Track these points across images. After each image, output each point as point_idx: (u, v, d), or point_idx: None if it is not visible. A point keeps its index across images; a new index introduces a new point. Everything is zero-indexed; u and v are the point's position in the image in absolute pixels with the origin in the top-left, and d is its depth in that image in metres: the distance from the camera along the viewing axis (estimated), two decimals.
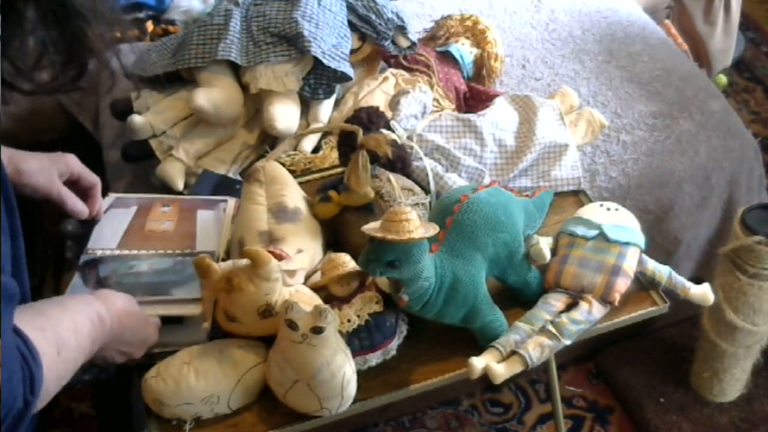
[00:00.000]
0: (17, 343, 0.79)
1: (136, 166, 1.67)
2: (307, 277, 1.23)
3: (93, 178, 1.26)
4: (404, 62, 1.78)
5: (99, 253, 1.27)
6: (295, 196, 1.32)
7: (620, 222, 1.32)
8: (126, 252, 1.28)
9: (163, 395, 1.10)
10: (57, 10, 0.72)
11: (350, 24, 1.72)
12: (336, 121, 1.68)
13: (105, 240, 1.29)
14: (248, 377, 1.13)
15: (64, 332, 0.89)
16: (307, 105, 1.68)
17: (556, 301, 1.24)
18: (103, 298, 1.02)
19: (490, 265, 1.18)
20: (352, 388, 1.11)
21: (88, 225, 1.30)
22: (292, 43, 1.61)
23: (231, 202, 1.39)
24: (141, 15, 2.17)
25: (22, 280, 0.87)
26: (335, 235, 1.32)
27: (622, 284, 1.24)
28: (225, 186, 1.50)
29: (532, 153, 1.55)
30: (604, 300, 1.24)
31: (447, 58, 1.81)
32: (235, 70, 1.63)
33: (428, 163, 1.44)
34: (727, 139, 1.81)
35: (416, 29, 1.89)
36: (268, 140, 1.67)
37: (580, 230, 1.30)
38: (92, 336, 0.95)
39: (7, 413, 0.76)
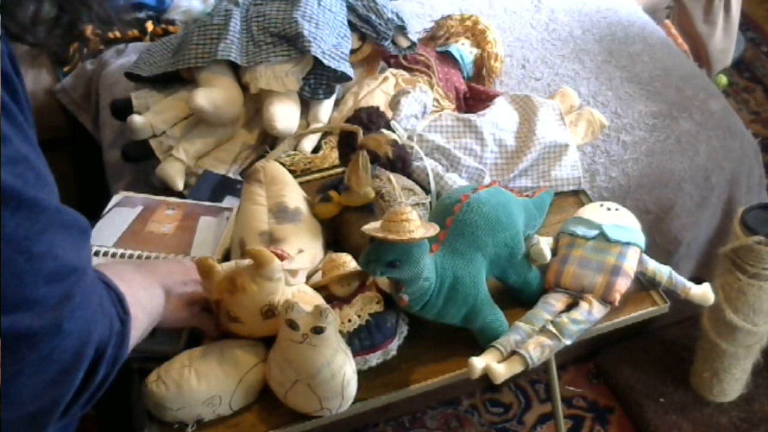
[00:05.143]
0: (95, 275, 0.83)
1: (136, 166, 1.67)
2: (308, 278, 1.23)
3: None
4: (404, 62, 1.78)
5: (94, 249, 1.26)
6: (295, 196, 1.32)
7: (620, 222, 1.31)
8: (121, 251, 1.28)
9: (165, 399, 1.09)
10: None
11: (350, 24, 1.72)
12: (336, 121, 1.68)
13: (103, 237, 1.29)
14: (249, 377, 1.13)
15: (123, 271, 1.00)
16: (307, 105, 1.68)
17: (557, 301, 1.24)
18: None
19: (491, 265, 1.18)
20: (352, 388, 1.11)
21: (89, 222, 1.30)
22: (292, 43, 1.61)
23: (236, 210, 1.38)
24: (141, 15, 2.17)
25: None
26: (336, 235, 1.31)
27: (623, 284, 1.24)
28: (225, 186, 1.50)
29: (532, 153, 1.55)
30: (605, 300, 1.24)
31: (447, 58, 1.81)
32: (235, 70, 1.63)
33: (428, 163, 1.44)
34: (727, 139, 1.81)
35: (416, 29, 1.89)
36: (268, 140, 1.67)
37: (581, 230, 1.30)
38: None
39: (110, 333, 0.80)
